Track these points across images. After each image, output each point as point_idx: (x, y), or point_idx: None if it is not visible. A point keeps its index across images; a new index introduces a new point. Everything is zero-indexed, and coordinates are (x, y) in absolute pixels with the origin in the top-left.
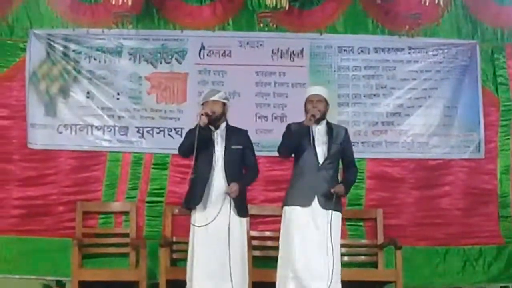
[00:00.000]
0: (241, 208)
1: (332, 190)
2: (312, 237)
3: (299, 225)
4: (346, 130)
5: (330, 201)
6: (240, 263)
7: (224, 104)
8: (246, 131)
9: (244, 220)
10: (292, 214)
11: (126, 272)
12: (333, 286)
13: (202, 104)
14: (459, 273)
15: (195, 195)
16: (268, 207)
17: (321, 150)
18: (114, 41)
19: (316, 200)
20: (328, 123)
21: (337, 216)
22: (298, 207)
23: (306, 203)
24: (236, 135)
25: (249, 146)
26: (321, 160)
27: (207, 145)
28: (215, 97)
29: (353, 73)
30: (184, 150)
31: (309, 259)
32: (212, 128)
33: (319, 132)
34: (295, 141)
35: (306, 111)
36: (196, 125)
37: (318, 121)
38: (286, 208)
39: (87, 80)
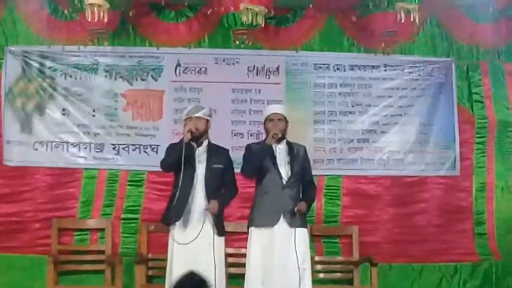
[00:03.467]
0: (220, 227)
1: (295, 209)
2: (281, 256)
3: (266, 246)
4: (305, 148)
5: (297, 219)
6: (220, 282)
7: (207, 121)
8: (227, 150)
9: (222, 239)
10: (259, 235)
11: None
12: None
13: (185, 120)
14: None
15: (175, 211)
16: (244, 224)
17: (284, 170)
18: (90, 58)
19: (282, 219)
20: (288, 142)
21: (304, 232)
22: (264, 228)
23: (273, 222)
24: (217, 154)
25: (230, 166)
26: (285, 180)
27: (189, 162)
28: (199, 114)
29: (329, 91)
30: (168, 166)
31: (277, 280)
32: (194, 145)
33: (280, 151)
34: (258, 161)
35: (266, 130)
36: (180, 140)
37: (279, 140)
38: (252, 228)
39: (63, 97)
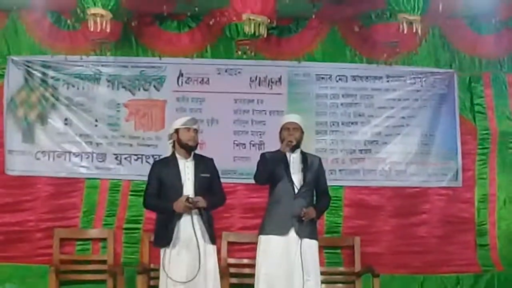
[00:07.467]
0: (211, 234)
1: (302, 213)
2: (289, 266)
3: (275, 254)
4: (319, 159)
5: (307, 229)
6: None
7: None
8: (212, 159)
9: (215, 247)
10: (268, 243)
11: None
12: None
13: (176, 130)
14: None
15: (168, 233)
16: (246, 234)
17: (297, 178)
18: (93, 68)
19: (293, 229)
20: (302, 152)
21: (314, 244)
22: (274, 236)
23: (283, 231)
24: (204, 163)
25: (216, 174)
26: (297, 188)
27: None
28: (196, 126)
29: (331, 101)
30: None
31: None
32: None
33: (294, 160)
34: (271, 167)
35: (282, 139)
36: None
37: (293, 149)
38: (262, 237)
39: (65, 106)
